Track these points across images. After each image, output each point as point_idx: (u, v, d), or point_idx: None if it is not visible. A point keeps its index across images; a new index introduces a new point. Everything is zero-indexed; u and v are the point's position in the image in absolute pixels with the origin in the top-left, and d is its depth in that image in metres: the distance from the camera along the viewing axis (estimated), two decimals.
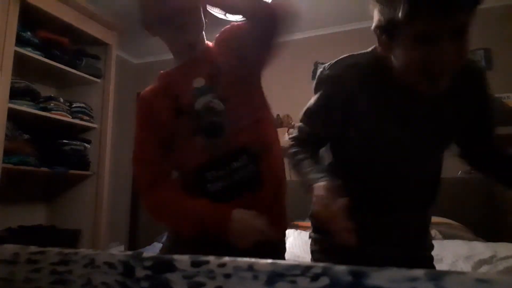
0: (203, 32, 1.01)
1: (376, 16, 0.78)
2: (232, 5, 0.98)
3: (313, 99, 0.95)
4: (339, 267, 0.23)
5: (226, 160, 0.91)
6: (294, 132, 0.97)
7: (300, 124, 0.99)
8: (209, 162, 0.91)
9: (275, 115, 3.44)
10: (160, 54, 3.80)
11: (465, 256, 1.91)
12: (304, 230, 2.61)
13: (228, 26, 1.02)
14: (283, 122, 3.38)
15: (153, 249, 2.38)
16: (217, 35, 1.03)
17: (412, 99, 0.82)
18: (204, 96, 0.93)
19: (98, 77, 2.71)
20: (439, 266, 1.75)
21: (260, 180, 0.91)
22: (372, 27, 0.80)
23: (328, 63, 0.91)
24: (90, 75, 2.64)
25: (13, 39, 2.03)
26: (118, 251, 0.30)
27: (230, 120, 0.92)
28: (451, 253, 1.94)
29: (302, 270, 0.24)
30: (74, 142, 2.51)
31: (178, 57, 1.02)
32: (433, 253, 1.00)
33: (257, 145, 0.92)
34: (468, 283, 0.20)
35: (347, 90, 0.86)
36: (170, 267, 0.27)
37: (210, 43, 1.03)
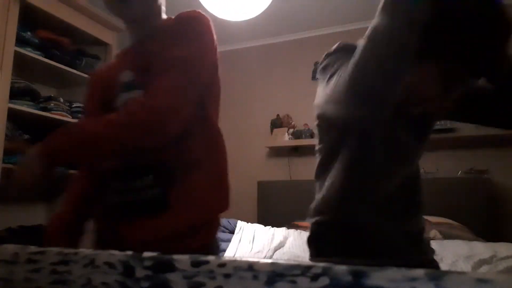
0: (161, 11, 0.89)
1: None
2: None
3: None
4: (339, 267, 0.23)
5: (130, 175, 0.79)
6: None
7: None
8: (114, 172, 0.82)
9: (275, 115, 3.43)
10: None
11: (465, 256, 1.91)
12: (304, 230, 2.61)
13: (193, 14, 0.83)
14: (283, 122, 3.38)
15: None
16: (179, 15, 0.84)
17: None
18: (129, 93, 0.82)
19: None
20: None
21: (168, 205, 0.76)
22: None
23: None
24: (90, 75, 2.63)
25: (13, 39, 2.03)
26: (118, 251, 0.30)
27: None
28: (451, 253, 1.94)
29: (302, 270, 0.24)
30: None
31: (128, 37, 0.91)
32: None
33: (175, 164, 0.79)
34: (468, 283, 0.20)
35: None
36: (170, 267, 0.27)
37: (169, 24, 0.87)
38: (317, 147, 0.93)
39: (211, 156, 0.83)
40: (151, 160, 0.78)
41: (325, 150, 0.89)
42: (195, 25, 0.81)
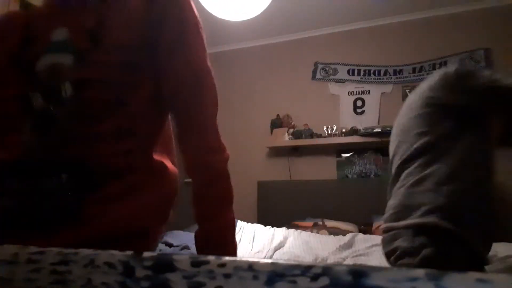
0: None
1: None
2: None
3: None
4: (339, 267, 0.23)
5: (37, 171, 0.59)
6: None
7: None
8: (16, 160, 0.60)
9: (275, 115, 3.43)
10: None
11: None
12: (304, 230, 2.61)
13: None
14: (283, 122, 3.38)
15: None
16: None
17: None
18: (57, 56, 0.62)
19: None
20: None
21: (80, 218, 0.58)
22: None
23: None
24: None
25: None
26: (118, 251, 0.30)
27: (76, 117, 0.61)
28: None
29: (302, 270, 0.24)
30: None
31: None
32: None
33: (104, 166, 0.61)
34: (468, 283, 0.20)
35: None
36: (170, 267, 0.27)
37: None
38: (422, 130, 1.06)
39: (154, 162, 0.69)
40: (76, 153, 0.60)
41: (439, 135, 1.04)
42: (193, 13, 0.70)
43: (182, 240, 2.22)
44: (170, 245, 2.18)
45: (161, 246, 2.19)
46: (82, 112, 0.61)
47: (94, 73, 0.62)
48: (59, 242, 0.54)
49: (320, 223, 2.71)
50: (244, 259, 0.26)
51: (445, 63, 3.01)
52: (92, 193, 0.60)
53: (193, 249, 2.11)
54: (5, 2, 2.00)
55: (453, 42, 2.99)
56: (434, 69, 3.04)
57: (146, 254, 0.29)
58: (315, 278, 0.23)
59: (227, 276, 0.25)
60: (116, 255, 0.29)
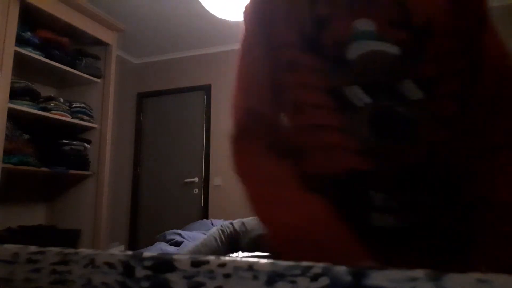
0: None
1: None
2: None
3: None
4: (339, 267, 0.23)
5: (399, 182, 0.51)
6: None
7: None
8: (370, 172, 0.51)
9: None
10: (160, 54, 3.81)
11: None
12: None
13: None
14: None
15: (155, 248, 2.39)
16: None
17: None
18: (373, 43, 0.50)
19: (98, 77, 2.72)
20: None
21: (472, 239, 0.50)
22: None
23: None
24: (90, 75, 2.64)
25: (13, 39, 2.04)
26: (118, 251, 0.30)
27: (428, 120, 0.50)
28: None
29: (302, 270, 0.24)
30: (74, 142, 2.52)
31: None
32: None
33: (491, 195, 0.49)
34: (468, 283, 0.20)
35: None
36: (170, 267, 0.27)
37: None
38: None
39: None
40: (436, 167, 0.52)
41: None
42: None
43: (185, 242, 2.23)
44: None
45: (164, 246, 2.20)
46: (434, 114, 0.51)
47: (435, 68, 0.50)
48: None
49: None
50: (244, 259, 0.26)
51: None
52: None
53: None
54: (5, 2, 2.01)
55: None
56: None
57: (146, 254, 0.29)
58: (315, 278, 0.23)
59: (227, 276, 0.25)
60: (116, 255, 0.29)
